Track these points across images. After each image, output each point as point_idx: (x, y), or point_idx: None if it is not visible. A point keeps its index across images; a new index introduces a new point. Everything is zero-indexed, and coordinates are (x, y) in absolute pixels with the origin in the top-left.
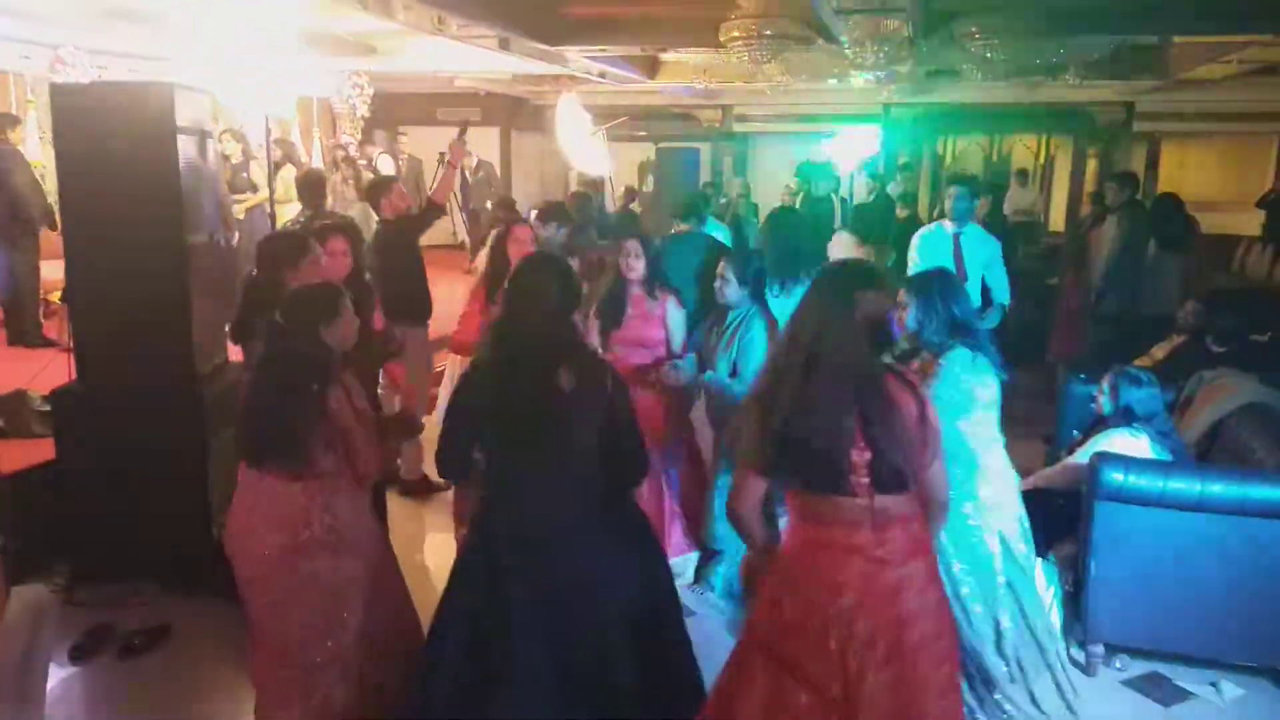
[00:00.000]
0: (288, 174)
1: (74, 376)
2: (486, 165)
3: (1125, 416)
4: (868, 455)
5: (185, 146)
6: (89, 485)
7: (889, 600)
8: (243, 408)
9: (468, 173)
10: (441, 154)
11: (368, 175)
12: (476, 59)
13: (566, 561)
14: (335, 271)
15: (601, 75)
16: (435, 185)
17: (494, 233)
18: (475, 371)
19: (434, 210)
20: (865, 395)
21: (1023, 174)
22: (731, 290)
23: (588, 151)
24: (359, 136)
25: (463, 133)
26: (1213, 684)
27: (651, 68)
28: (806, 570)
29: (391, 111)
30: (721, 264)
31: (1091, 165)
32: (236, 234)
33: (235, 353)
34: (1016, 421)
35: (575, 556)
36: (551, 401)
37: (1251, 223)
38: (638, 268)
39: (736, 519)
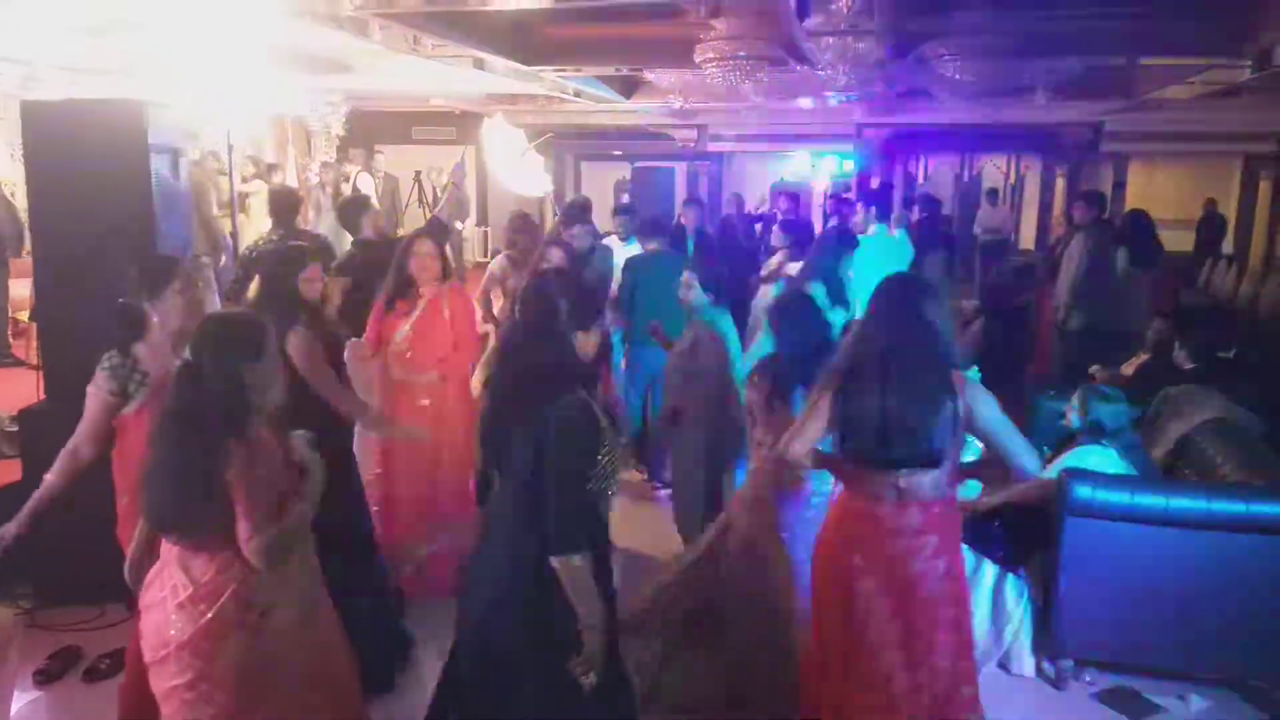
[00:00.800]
0: (256, 187)
1: (42, 396)
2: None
3: (1093, 432)
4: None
5: (157, 164)
6: (55, 505)
7: (899, 564)
8: (144, 465)
9: (438, 189)
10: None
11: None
12: (451, 79)
13: (476, 609)
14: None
15: (577, 95)
16: (442, 204)
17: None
18: (483, 391)
19: (438, 228)
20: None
21: (993, 193)
22: (695, 295)
23: (521, 172)
24: (334, 155)
25: (460, 161)
26: (1180, 697)
27: (631, 88)
28: (836, 530)
29: (367, 130)
30: (686, 273)
31: (1060, 184)
32: (224, 256)
33: None
34: None
35: (481, 603)
36: (513, 423)
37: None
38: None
39: (794, 458)
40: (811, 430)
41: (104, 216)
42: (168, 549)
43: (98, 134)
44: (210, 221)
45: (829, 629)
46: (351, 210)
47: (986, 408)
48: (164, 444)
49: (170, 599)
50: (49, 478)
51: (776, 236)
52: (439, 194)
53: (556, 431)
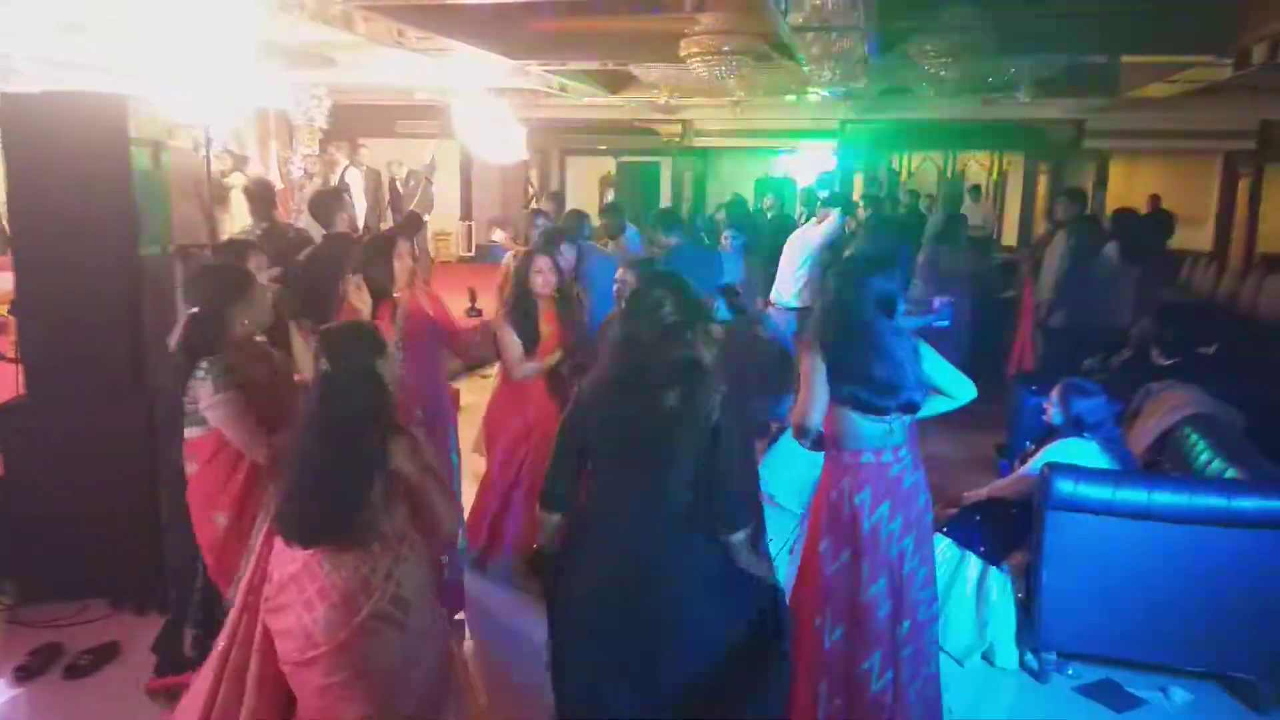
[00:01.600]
0: (236, 180)
1: (22, 391)
2: (417, 174)
3: (1075, 427)
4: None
5: (139, 157)
6: (36, 501)
7: (910, 498)
8: (287, 482)
9: (398, 183)
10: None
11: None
12: (436, 72)
13: (650, 594)
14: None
15: (562, 89)
16: (419, 199)
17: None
18: (585, 390)
19: (415, 222)
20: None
21: (976, 190)
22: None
23: (497, 139)
24: (316, 149)
25: (434, 153)
26: (1162, 690)
27: (617, 82)
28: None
29: (350, 124)
30: (621, 269)
31: (1043, 181)
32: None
33: None
34: (971, 432)
35: (660, 589)
36: (655, 419)
37: (1198, 238)
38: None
39: (803, 430)
40: (820, 397)
41: (85, 210)
42: (290, 554)
43: (78, 127)
44: (212, 211)
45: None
46: (324, 203)
47: (928, 359)
48: (319, 454)
49: (318, 601)
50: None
51: None
52: (398, 187)
53: (723, 421)
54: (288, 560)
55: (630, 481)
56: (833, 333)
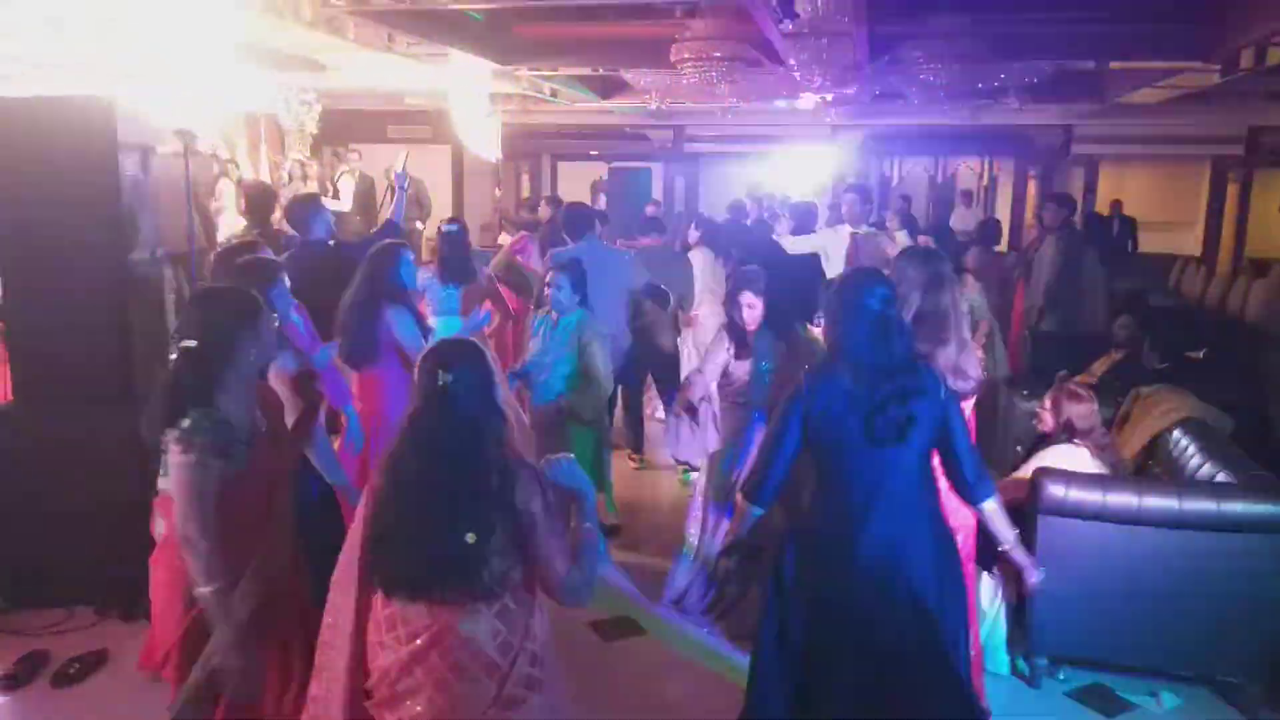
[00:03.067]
0: (225, 187)
1: (8, 396)
2: (414, 182)
3: (1065, 432)
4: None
5: (127, 162)
6: (23, 507)
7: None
8: (386, 522)
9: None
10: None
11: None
12: (426, 77)
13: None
14: None
15: (554, 94)
16: (391, 207)
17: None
18: (811, 380)
19: (391, 231)
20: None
21: (967, 195)
22: (564, 296)
23: (481, 137)
24: (307, 153)
25: (404, 158)
26: (1153, 694)
27: (608, 88)
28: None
29: (341, 129)
30: (552, 272)
31: (1032, 187)
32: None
33: None
34: None
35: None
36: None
37: (1186, 243)
38: None
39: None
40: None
41: (72, 215)
42: (408, 629)
43: (66, 132)
44: (209, 216)
45: None
46: (300, 210)
47: None
48: (431, 488)
49: (453, 677)
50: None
51: None
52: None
53: (950, 399)
54: (404, 639)
55: (866, 466)
56: None
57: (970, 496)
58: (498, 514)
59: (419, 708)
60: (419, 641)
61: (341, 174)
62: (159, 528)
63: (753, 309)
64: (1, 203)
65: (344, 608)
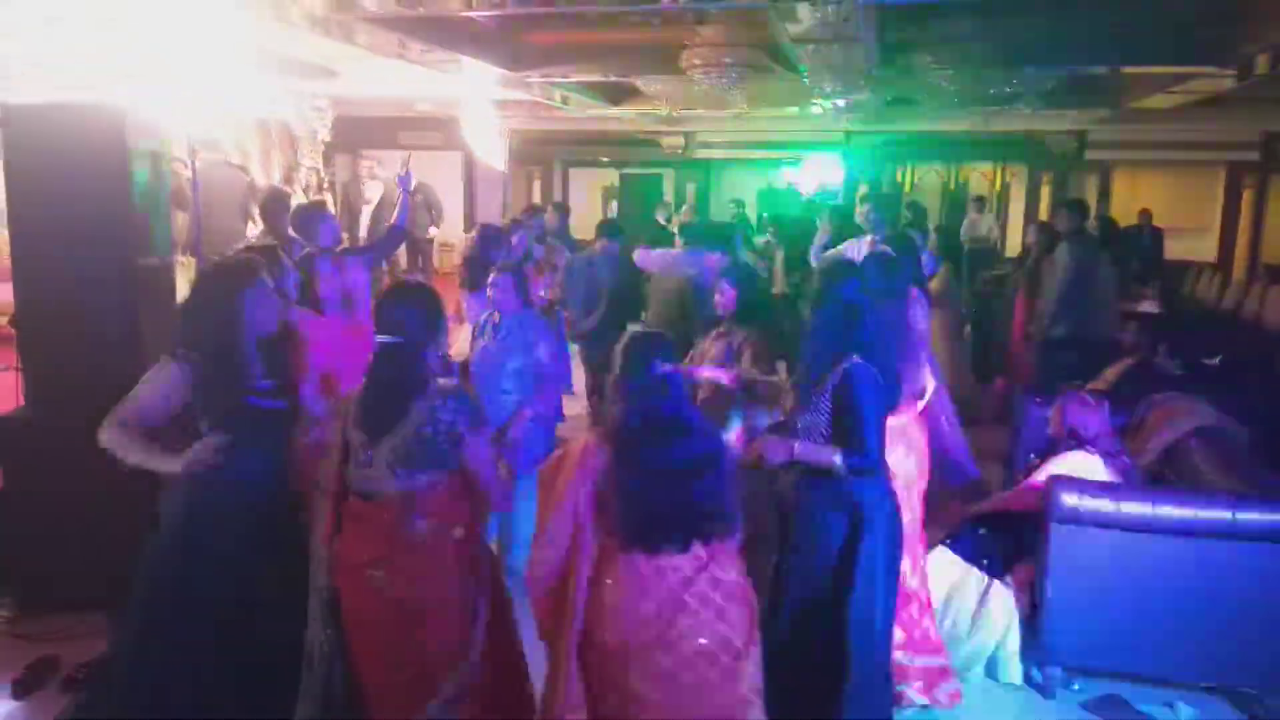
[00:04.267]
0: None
1: (22, 401)
2: (425, 188)
3: (1077, 439)
4: None
5: (138, 167)
6: (35, 513)
7: None
8: (635, 480)
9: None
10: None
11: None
12: (438, 84)
13: None
14: None
15: (565, 101)
16: (397, 212)
17: None
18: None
19: (397, 237)
20: None
21: (980, 201)
22: (508, 299)
23: (490, 147)
24: (319, 160)
25: (407, 161)
26: (1169, 705)
27: (619, 94)
28: None
29: (353, 135)
30: (494, 273)
31: (1045, 193)
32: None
33: None
34: (974, 444)
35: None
36: None
37: (1201, 249)
38: None
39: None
40: None
41: (85, 221)
42: (665, 582)
43: (78, 138)
44: (228, 226)
45: None
46: (306, 218)
47: None
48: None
49: (728, 603)
50: None
51: None
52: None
53: None
54: (662, 590)
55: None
56: None
57: None
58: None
59: (704, 634)
60: (673, 596)
61: (370, 181)
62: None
63: None
64: (16, 208)
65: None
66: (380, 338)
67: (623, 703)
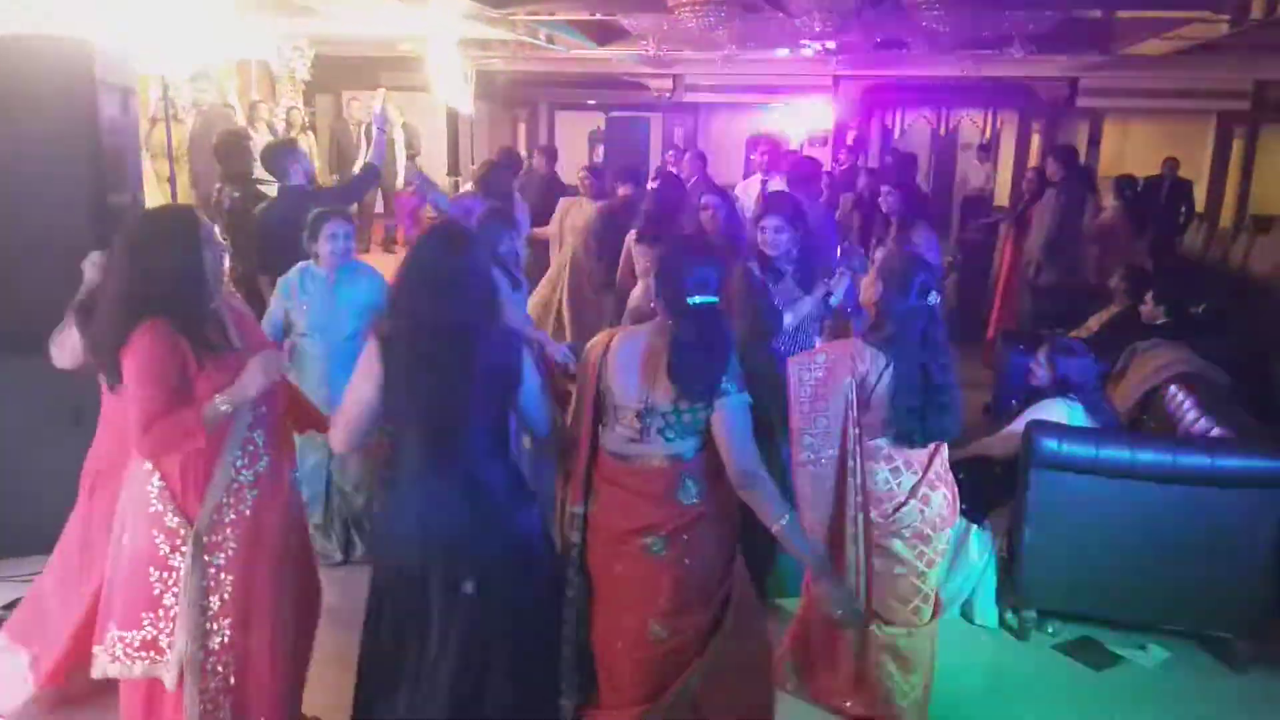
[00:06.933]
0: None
1: None
2: (410, 128)
3: (1060, 386)
4: None
5: (107, 102)
6: (6, 452)
7: None
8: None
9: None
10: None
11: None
12: (419, 21)
13: None
14: None
15: (549, 40)
16: (371, 151)
17: None
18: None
19: (371, 176)
20: None
21: (984, 150)
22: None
23: (455, 89)
24: (299, 100)
25: (383, 100)
26: (1142, 648)
27: (605, 34)
28: None
29: (333, 76)
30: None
31: (1036, 140)
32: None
33: None
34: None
35: None
36: None
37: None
38: None
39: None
40: None
41: (51, 158)
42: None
43: (44, 70)
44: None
45: None
46: (276, 155)
47: None
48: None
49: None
50: None
51: None
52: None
53: None
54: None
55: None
56: None
57: None
58: None
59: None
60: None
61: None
62: None
63: None
64: None
65: None
66: (695, 299)
67: None
